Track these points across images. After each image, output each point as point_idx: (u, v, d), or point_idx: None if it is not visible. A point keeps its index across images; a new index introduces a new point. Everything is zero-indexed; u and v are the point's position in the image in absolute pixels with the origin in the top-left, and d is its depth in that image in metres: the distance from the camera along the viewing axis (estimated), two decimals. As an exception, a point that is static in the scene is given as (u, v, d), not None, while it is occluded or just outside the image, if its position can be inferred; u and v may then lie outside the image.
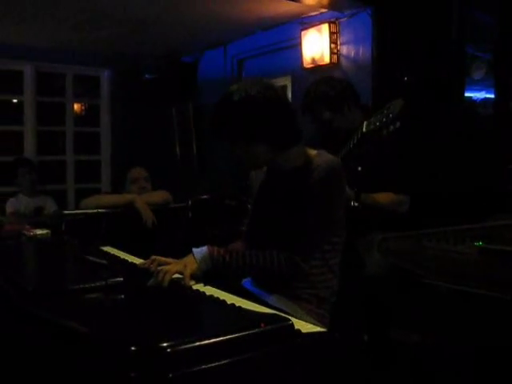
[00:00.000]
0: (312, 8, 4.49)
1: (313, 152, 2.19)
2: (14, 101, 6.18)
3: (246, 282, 2.33)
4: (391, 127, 2.42)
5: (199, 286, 1.91)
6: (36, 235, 2.75)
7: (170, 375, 1.20)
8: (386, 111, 2.46)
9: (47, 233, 2.80)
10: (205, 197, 4.21)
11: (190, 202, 4.03)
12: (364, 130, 2.52)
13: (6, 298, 1.75)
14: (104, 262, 1.97)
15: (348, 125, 2.85)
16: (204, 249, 2.06)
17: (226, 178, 5.46)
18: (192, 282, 1.93)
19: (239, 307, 1.58)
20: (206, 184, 5.69)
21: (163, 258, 2.13)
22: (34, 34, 5.31)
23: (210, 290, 1.84)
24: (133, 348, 1.21)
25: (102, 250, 2.56)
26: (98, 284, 1.71)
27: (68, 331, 1.39)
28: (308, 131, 3.14)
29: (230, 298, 1.72)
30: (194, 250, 2.06)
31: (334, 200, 2.11)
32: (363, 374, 2.73)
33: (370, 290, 2.73)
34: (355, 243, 2.76)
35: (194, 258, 2.03)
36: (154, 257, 2.16)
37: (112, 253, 2.52)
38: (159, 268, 1.97)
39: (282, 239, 2.08)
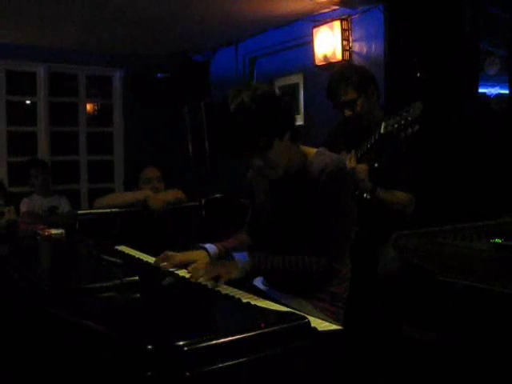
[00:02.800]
0: (324, 5, 4.47)
1: (312, 150, 2.17)
2: (28, 102, 6.22)
3: (258, 281, 2.33)
4: (409, 130, 2.43)
5: (214, 285, 1.91)
6: (51, 235, 2.76)
7: (187, 374, 1.20)
8: (405, 113, 2.45)
9: (62, 232, 2.81)
10: (218, 196, 4.20)
11: (203, 201, 4.03)
12: (382, 131, 2.52)
13: (22, 296, 1.76)
14: (119, 260, 1.97)
15: (369, 114, 2.86)
16: (245, 255, 2.05)
17: (239, 177, 5.44)
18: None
19: (255, 305, 1.58)
20: (219, 183, 5.69)
21: (176, 254, 2.18)
22: (46, 35, 5.34)
23: (225, 289, 1.84)
24: (149, 347, 1.21)
25: (117, 249, 2.56)
26: (113, 283, 1.71)
27: (84, 330, 1.40)
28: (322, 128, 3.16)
29: (245, 296, 1.71)
30: (236, 255, 2.05)
31: (350, 197, 2.11)
32: (377, 371, 2.72)
33: (384, 287, 2.72)
34: (368, 240, 2.76)
35: (235, 264, 2.02)
36: (167, 252, 2.19)
37: (126, 252, 2.53)
38: (194, 265, 1.99)
39: (311, 243, 2.05)
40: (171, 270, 2.12)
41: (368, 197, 2.62)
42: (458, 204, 3.55)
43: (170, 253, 2.21)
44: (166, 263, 2.17)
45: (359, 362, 2.43)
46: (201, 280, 1.91)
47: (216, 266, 2.02)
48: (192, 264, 2.12)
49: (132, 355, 1.24)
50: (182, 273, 2.06)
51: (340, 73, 2.96)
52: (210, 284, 1.88)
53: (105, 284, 1.71)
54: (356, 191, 2.59)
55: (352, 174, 2.54)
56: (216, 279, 1.93)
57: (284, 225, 2.17)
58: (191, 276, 1.97)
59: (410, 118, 2.42)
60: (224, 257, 2.24)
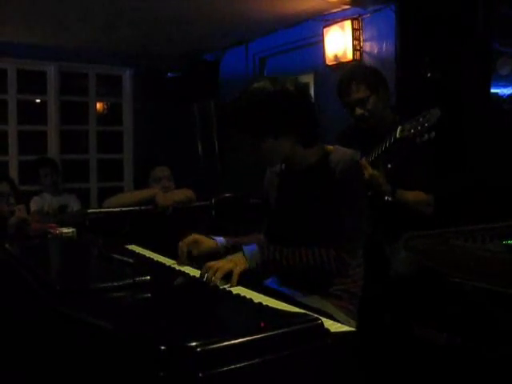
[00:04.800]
0: (334, 5, 4.46)
1: (329, 147, 2.19)
2: (38, 101, 6.24)
3: (270, 281, 2.32)
4: (426, 136, 2.43)
5: (226, 285, 1.90)
6: (62, 234, 2.77)
7: (200, 375, 1.19)
8: (421, 119, 2.44)
9: (73, 231, 2.81)
10: (228, 195, 4.20)
11: (213, 201, 4.03)
12: (398, 135, 2.52)
13: (33, 295, 1.76)
14: (130, 260, 1.97)
15: (380, 114, 2.85)
16: (254, 246, 2.06)
17: (248, 176, 5.44)
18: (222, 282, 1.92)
19: (267, 306, 1.57)
20: (228, 182, 5.69)
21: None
22: (56, 34, 5.36)
23: (236, 289, 1.83)
24: (162, 347, 1.21)
25: (127, 249, 2.57)
26: (125, 282, 1.71)
27: (96, 330, 1.39)
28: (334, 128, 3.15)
29: (257, 297, 1.70)
30: (244, 247, 2.06)
31: (362, 192, 2.13)
32: (388, 372, 2.71)
33: (396, 289, 2.71)
34: (381, 242, 2.75)
35: (244, 256, 2.02)
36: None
37: (137, 251, 2.53)
38: (209, 264, 1.98)
39: (323, 237, 2.06)
40: (182, 269, 2.12)
41: (390, 199, 2.61)
42: (470, 205, 3.53)
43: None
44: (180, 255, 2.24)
45: (370, 363, 2.42)
46: (214, 279, 1.90)
47: (225, 261, 2.01)
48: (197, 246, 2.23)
49: (145, 356, 1.23)
50: (193, 272, 2.06)
51: (352, 71, 2.97)
52: (223, 283, 1.88)
53: (116, 284, 1.71)
54: (369, 192, 2.57)
55: (370, 181, 2.53)
56: (229, 275, 1.93)
57: (297, 219, 2.18)
58: (203, 276, 1.96)
59: (426, 125, 2.42)
60: (268, 257, 2.17)
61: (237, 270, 1.94)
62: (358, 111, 2.87)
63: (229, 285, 1.90)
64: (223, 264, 1.97)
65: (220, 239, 2.33)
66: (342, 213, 2.05)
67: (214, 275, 1.91)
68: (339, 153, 2.13)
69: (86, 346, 1.43)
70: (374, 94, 2.86)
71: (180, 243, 2.27)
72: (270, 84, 2.06)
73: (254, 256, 2.03)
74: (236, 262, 1.98)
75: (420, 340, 2.82)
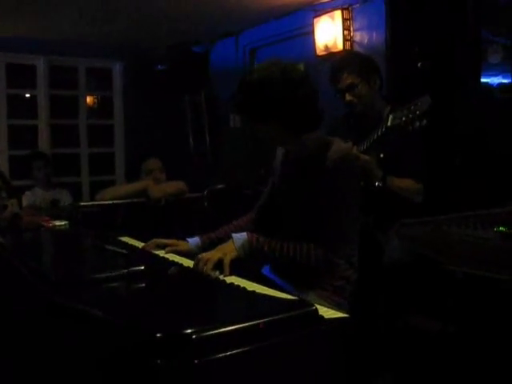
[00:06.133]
0: (324, -5, 4.46)
1: (328, 139, 2.19)
2: (28, 95, 6.20)
3: (266, 269, 2.34)
4: (417, 123, 2.43)
5: (218, 274, 1.91)
6: (55, 226, 2.77)
7: (196, 361, 1.20)
8: (413, 107, 2.45)
9: (65, 224, 2.81)
10: (221, 186, 4.21)
11: (206, 192, 4.04)
12: (389, 124, 2.52)
13: (29, 288, 1.76)
14: (124, 251, 1.97)
15: (370, 102, 2.86)
16: (243, 235, 2.08)
17: (239, 168, 5.45)
18: (217, 273, 1.93)
19: (262, 293, 1.58)
20: (219, 174, 5.69)
21: (164, 240, 2.31)
22: (45, 27, 5.32)
23: (230, 278, 1.84)
24: (158, 335, 1.22)
25: (120, 240, 2.57)
26: (119, 273, 1.72)
27: (93, 320, 1.40)
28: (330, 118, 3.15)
29: (251, 285, 1.71)
30: (234, 235, 2.08)
31: (355, 187, 2.13)
32: (382, 359, 2.73)
33: (389, 277, 2.72)
34: (374, 229, 2.76)
35: (234, 244, 2.04)
36: (154, 240, 2.32)
37: (130, 243, 2.53)
38: (200, 256, 2.00)
39: (313, 233, 2.07)
40: (176, 260, 2.13)
41: (380, 184, 2.62)
42: (462, 192, 3.54)
43: (157, 240, 2.35)
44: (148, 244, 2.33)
45: (364, 351, 2.44)
46: (205, 270, 1.92)
47: (214, 252, 2.02)
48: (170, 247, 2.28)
49: (141, 343, 1.24)
50: (187, 263, 2.06)
51: (343, 58, 3.01)
52: (215, 273, 1.89)
53: (111, 274, 1.72)
54: (362, 182, 2.58)
55: (362, 168, 2.54)
56: (219, 265, 1.95)
57: (290, 210, 2.20)
58: (195, 267, 1.98)
59: (418, 112, 2.42)
60: (210, 246, 2.30)
61: (227, 260, 1.96)
62: (348, 97, 2.89)
63: (222, 275, 1.91)
64: (213, 255, 1.99)
65: (195, 240, 2.37)
66: (331, 212, 2.06)
67: (206, 266, 1.92)
68: (337, 146, 2.14)
69: (82, 336, 1.44)
70: (364, 80, 2.87)
71: (152, 241, 2.34)
72: (274, 69, 2.07)
73: (243, 245, 2.05)
74: (225, 252, 2.00)
75: (413, 328, 2.84)
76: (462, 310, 2.56)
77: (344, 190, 2.09)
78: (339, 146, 2.14)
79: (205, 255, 1.99)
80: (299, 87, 2.09)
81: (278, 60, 2.14)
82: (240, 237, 2.07)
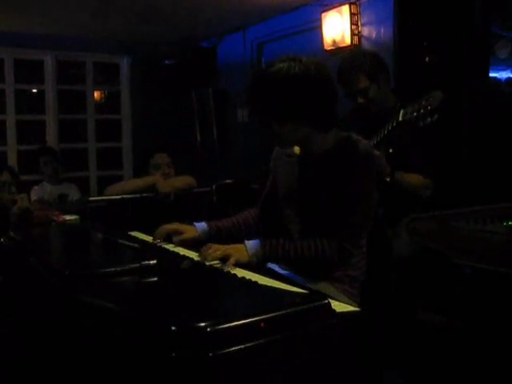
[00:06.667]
0: (332, -11, 4.45)
1: (343, 135, 2.16)
2: (35, 90, 6.23)
3: (274, 264, 2.34)
4: (428, 119, 2.42)
5: (224, 266, 1.91)
6: (65, 221, 2.78)
7: (211, 354, 1.21)
8: (424, 102, 2.44)
9: (76, 219, 2.83)
10: (229, 181, 4.22)
11: (214, 187, 4.05)
12: (400, 118, 2.51)
13: (42, 282, 1.77)
14: (136, 245, 1.99)
15: (381, 102, 2.85)
16: (257, 243, 2.04)
17: (247, 163, 5.46)
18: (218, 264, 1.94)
19: (274, 287, 1.59)
20: (227, 169, 5.70)
21: (172, 226, 2.33)
22: (53, 23, 5.33)
23: (241, 272, 1.85)
24: (173, 328, 1.23)
25: (131, 235, 2.58)
26: (132, 266, 1.73)
27: (107, 313, 1.41)
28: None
29: (262, 279, 1.72)
30: (247, 242, 2.03)
31: (370, 182, 2.09)
32: (391, 353, 2.73)
33: (398, 272, 2.73)
34: (382, 225, 2.76)
35: (247, 251, 2.01)
36: (162, 226, 2.33)
37: (140, 237, 2.54)
38: (212, 244, 2.00)
39: (328, 226, 2.06)
40: (187, 254, 2.14)
41: (388, 180, 2.62)
42: (471, 187, 3.54)
43: (164, 227, 2.36)
44: (156, 233, 2.32)
45: (374, 344, 2.44)
46: (208, 255, 1.93)
47: (227, 247, 2.02)
48: (179, 235, 2.27)
49: (156, 337, 1.25)
50: (198, 257, 2.07)
51: (350, 60, 2.92)
52: (224, 267, 1.90)
53: (123, 268, 1.73)
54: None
55: None
56: (224, 260, 1.95)
57: (306, 205, 2.18)
58: (200, 254, 1.98)
59: (429, 107, 2.41)
60: (216, 234, 2.32)
61: (233, 260, 1.93)
62: (360, 100, 2.87)
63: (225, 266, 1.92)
64: (225, 248, 1.99)
65: (202, 225, 2.35)
66: (351, 203, 2.04)
67: (212, 253, 1.93)
68: (355, 140, 2.09)
69: (96, 330, 1.45)
70: (375, 82, 2.84)
71: (160, 228, 2.34)
72: (293, 65, 1.99)
73: (257, 252, 2.02)
74: (237, 253, 1.97)
75: (422, 323, 2.85)
76: (471, 304, 2.57)
77: (364, 181, 2.05)
78: (360, 141, 2.11)
79: (217, 246, 1.99)
80: (328, 84, 2.05)
81: (301, 57, 2.05)
82: (253, 244, 2.03)
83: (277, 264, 2.30)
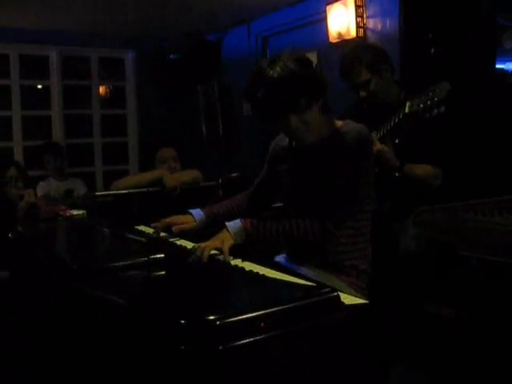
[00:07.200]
0: (337, -19, 4.42)
1: (339, 122, 2.20)
2: (40, 86, 6.23)
3: (280, 258, 2.35)
4: (435, 111, 2.41)
5: (238, 262, 1.92)
6: (72, 216, 2.79)
7: (220, 347, 1.21)
8: (431, 93, 2.43)
9: (83, 213, 2.83)
10: (235, 175, 4.21)
11: (220, 181, 4.05)
12: (407, 110, 2.50)
13: (51, 276, 1.78)
14: (143, 239, 1.99)
15: (384, 93, 2.84)
16: (237, 222, 2.09)
17: (252, 156, 5.45)
18: (230, 258, 1.95)
19: (283, 280, 1.59)
20: (232, 163, 5.70)
21: (170, 220, 2.34)
22: (58, 18, 5.33)
23: (249, 265, 1.85)
24: (182, 321, 1.23)
25: (138, 229, 2.58)
26: (140, 260, 1.73)
27: (116, 307, 1.42)
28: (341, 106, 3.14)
29: (270, 273, 1.72)
30: (228, 224, 2.08)
31: (363, 165, 2.11)
32: (399, 345, 2.74)
33: (406, 263, 2.73)
34: (389, 219, 2.76)
35: (229, 232, 2.05)
36: (161, 221, 2.37)
37: (147, 232, 2.54)
38: (197, 245, 2.01)
39: (314, 206, 2.09)
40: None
41: (397, 174, 2.62)
42: (478, 179, 3.53)
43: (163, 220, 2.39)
44: (156, 225, 2.37)
45: (381, 337, 2.45)
46: (203, 257, 1.93)
47: (211, 241, 2.03)
48: (177, 225, 2.29)
49: (165, 330, 1.26)
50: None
51: (352, 53, 2.91)
52: (234, 261, 1.91)
53: (131, 262, 1.73)
54: (376, 169, 2.57)
55: (378, 157, 2.53)
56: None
57: (304, 192, 2.20)
58: (192, 259, 1.98)
59: (436, 99, 2.40)
60: (212, 220, 2.39)
61: (226, 247, 1.98)
62: (362, 93, 2.87)
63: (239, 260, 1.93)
64: (210, 243, 2.01)
65: (198, 213, 2.40)
66: (336, 181, 2.06)
67: (203, 254, 1.93)
68: (350, 125, 2.15)
69: (105, 324, 1.45)
70: (376, 74, 2.83)
71: (158, 222, 2.38)
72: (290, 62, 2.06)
73: (238, 232, 2.06)
74: (223, 240, 2.02)
75: (430, 316, 2.85)
76: (480, 296, 2.56)
77: (352, 164, 2.07)
78: (353, 125, 2.15)
79: (202, 244, 2.01)
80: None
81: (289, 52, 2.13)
82: (234, 224, 2.08)
83: (285, 256, 2.31)
